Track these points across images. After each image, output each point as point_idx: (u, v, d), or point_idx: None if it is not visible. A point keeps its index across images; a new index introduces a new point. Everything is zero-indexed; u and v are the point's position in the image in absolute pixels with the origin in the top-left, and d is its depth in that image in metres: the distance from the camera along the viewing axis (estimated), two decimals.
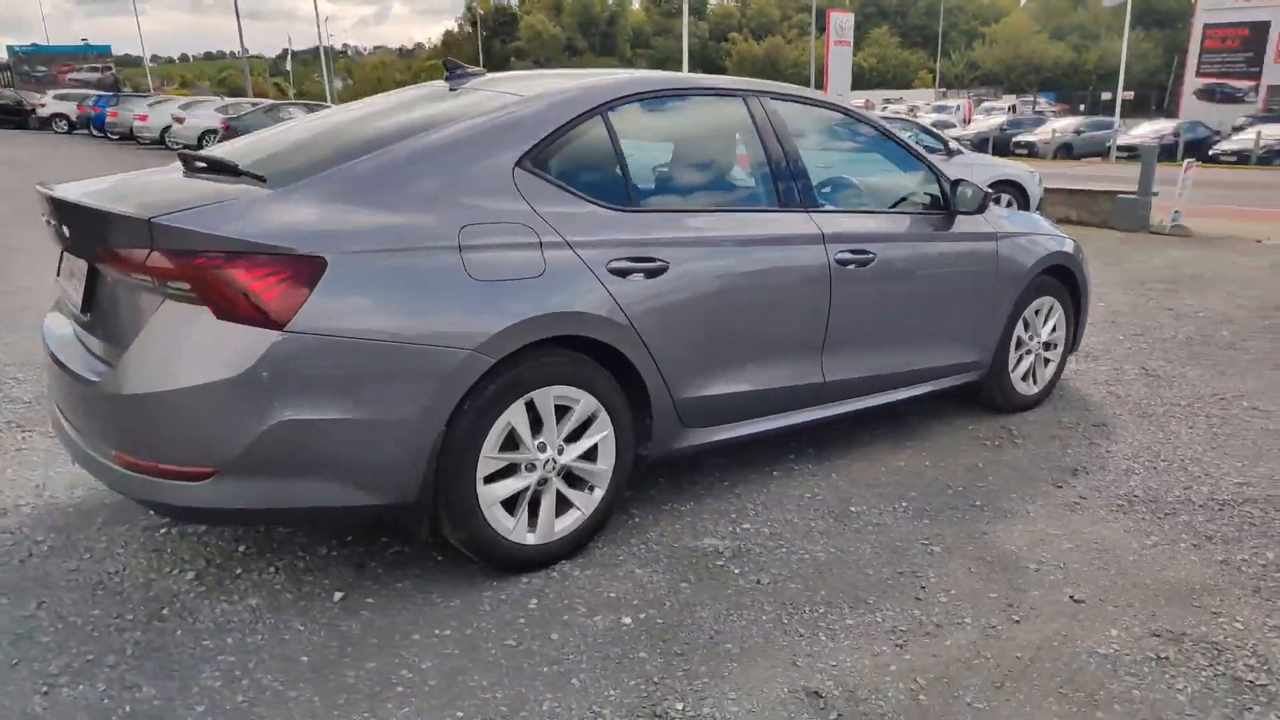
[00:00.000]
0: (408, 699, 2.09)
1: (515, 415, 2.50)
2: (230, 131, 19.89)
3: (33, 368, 4.57)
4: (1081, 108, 49.12)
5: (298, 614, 2.44)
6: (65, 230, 2.43)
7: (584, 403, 2.63)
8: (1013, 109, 46.96)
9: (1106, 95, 52.03)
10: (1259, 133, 25.84)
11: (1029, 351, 4.15)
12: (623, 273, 2.64)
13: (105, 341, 2.36)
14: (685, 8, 27.60)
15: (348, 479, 2.31)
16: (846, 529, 2.99)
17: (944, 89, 62.07)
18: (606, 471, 2.74)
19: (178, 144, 22.84)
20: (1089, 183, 14.03)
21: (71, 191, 2.44)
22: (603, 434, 2.70)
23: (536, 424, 2.56)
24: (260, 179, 2.35)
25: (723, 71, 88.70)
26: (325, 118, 3.14)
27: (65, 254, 2.65)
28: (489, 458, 2.47)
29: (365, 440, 2.29)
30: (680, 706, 2.08)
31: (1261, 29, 43.43)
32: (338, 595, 2.53)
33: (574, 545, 2.73)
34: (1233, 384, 4.68)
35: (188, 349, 2.15)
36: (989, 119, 37.42)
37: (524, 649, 2.30)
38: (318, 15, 56.76)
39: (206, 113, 22.80)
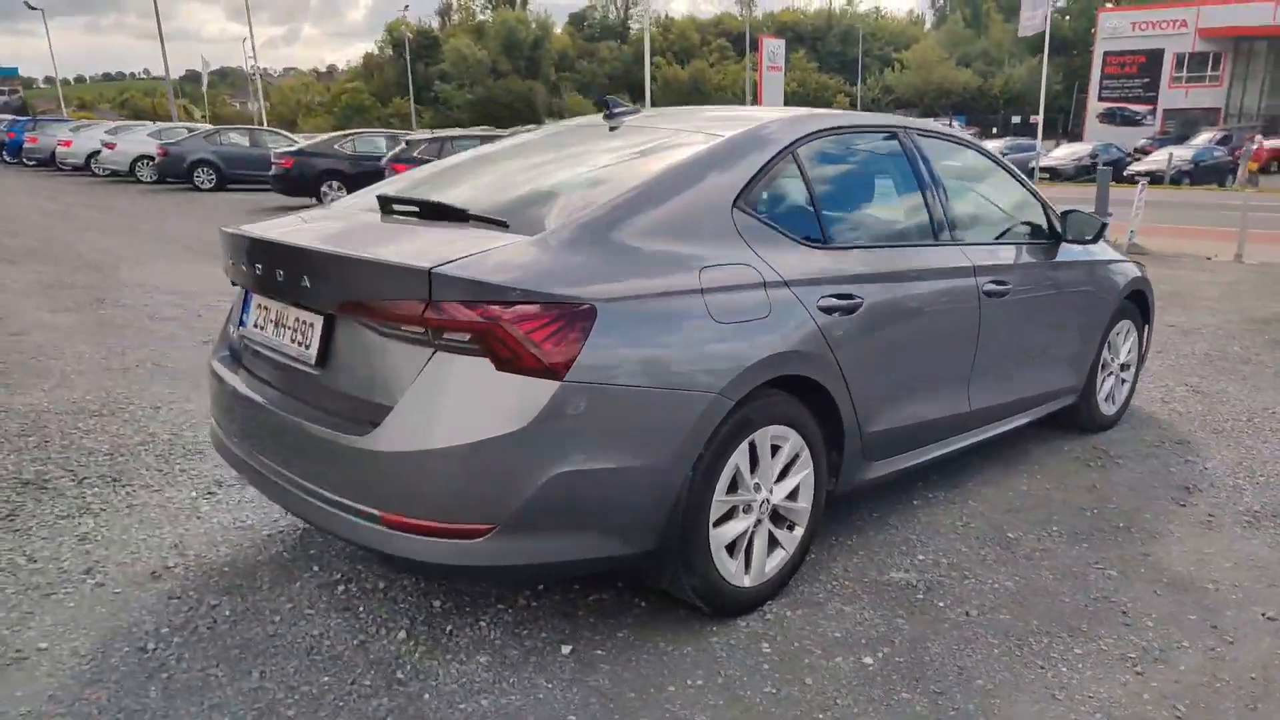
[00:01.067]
0: None
1: (740, 457, 2.49)
2: (168, 157, 19.11)
3: (91, 415, 4.31)
4: (994, 130, 51.34)
5: (536, 670, 2.36)
6: (280, 276, 2.34)
7: (791, 441, 2.64)
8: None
9: (1016, 119, 54.71)
10: (1170, 154, 27.51)
11: (1110, 373, 4.33)
12: (829, 310, 2.67)
13: (356, 396, 2.26)
14: (647, 37, 27.65)
15: (608, 530, 2.26)
16: (1016, 556, 3.06)
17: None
18: (806, 509, 2.74)
19: (105, 169, 21.87)
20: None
21: (304, 237, 2.39)
22: (804, 472, 2.71)
23: (753, 464, 2.55)
24: (501, 224, 2.30)
25: (648, 95, 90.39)
26: (491, 154, 3.11)
27: (267, 301, 2.56)
28: (719, 500, 2.46)
29: (627, 489, 2.25)
30: None
31: (1156, 56, 46.37)
32: (565, 649, 2.46)
33: (779, 585, 2.73)
34: (1274, 397, 4.97)
35: (467, 402, 2.08)
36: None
37: (787, 695, 2.28)
38: (251, 36, 54.88)
39: (138, 138, 21.89)
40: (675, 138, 2.82)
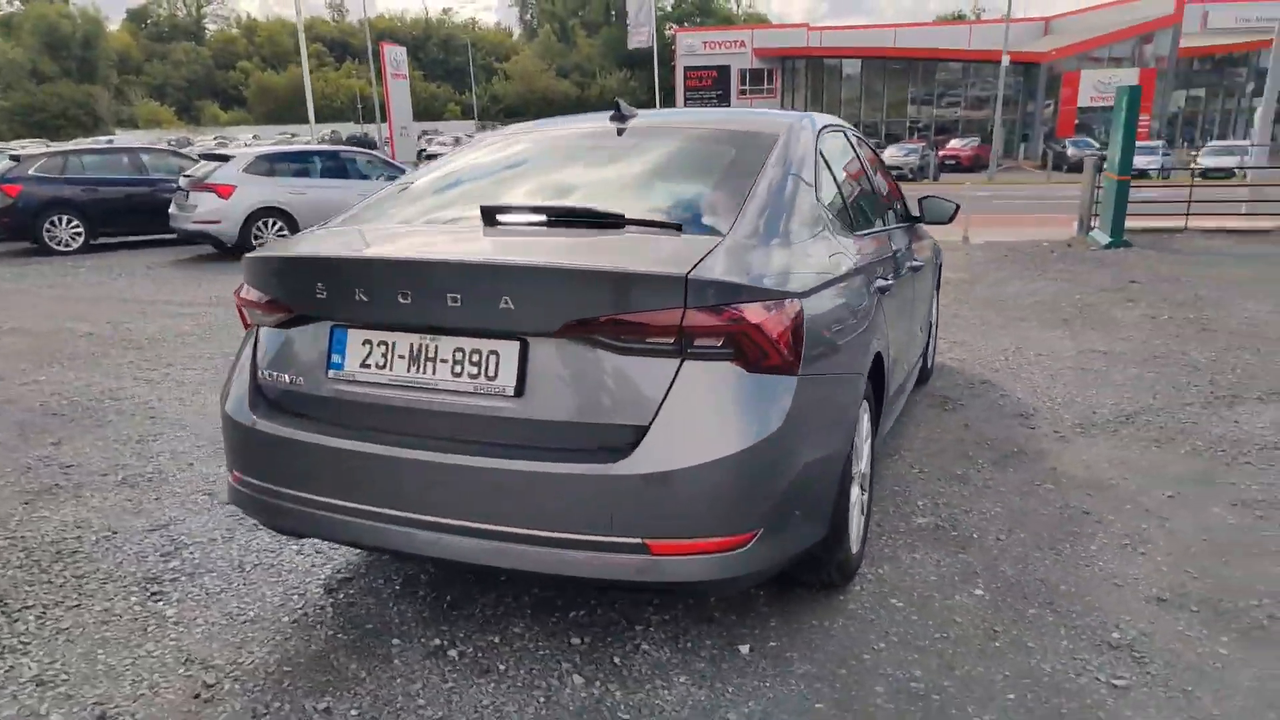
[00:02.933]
0: (987, 706, 2.22)
1: (860, 430, 2.67)
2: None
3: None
4: None
5: (740, 674, 2.33)
6: (436, 302, 2.03)
7: (868, 411, 2.87)
8: None
9: None
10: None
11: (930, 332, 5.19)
12: (881, 290, 2.95)
13: (579, 421, 2.04)
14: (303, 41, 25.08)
15: (815, 517, 2.31)
16: (979, 487, 3.62)
17: (480, 122, 65.14)
18: (868, 471, 3.00)
19: None
20: None
21: (473, 252, 2.15)
22: (868, 437, 2.95)
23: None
24: (675, 228, 2.22)
25: (240, 100, 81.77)
26: (508, 163, 2.93)
27: (390, 335, 2.18)
28: (853, 474, 2.62)
29: (829, 474, 2.32)
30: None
31: (725, 72, 53.43)
32: (744, 649, 2.45)
33: (862, 547, 2.95)
34: (1008, 341, 6.27)
35: (728, 409, 2.00)
36: None
37: (954, 636, 2.52)
38: None
39: None
40: (741, 135, 2.87)
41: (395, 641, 2.52)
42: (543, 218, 2.34)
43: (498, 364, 2.08)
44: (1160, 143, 34.57)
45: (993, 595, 2.75)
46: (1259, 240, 11.70)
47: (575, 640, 2.50)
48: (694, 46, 54.34)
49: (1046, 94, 46.44)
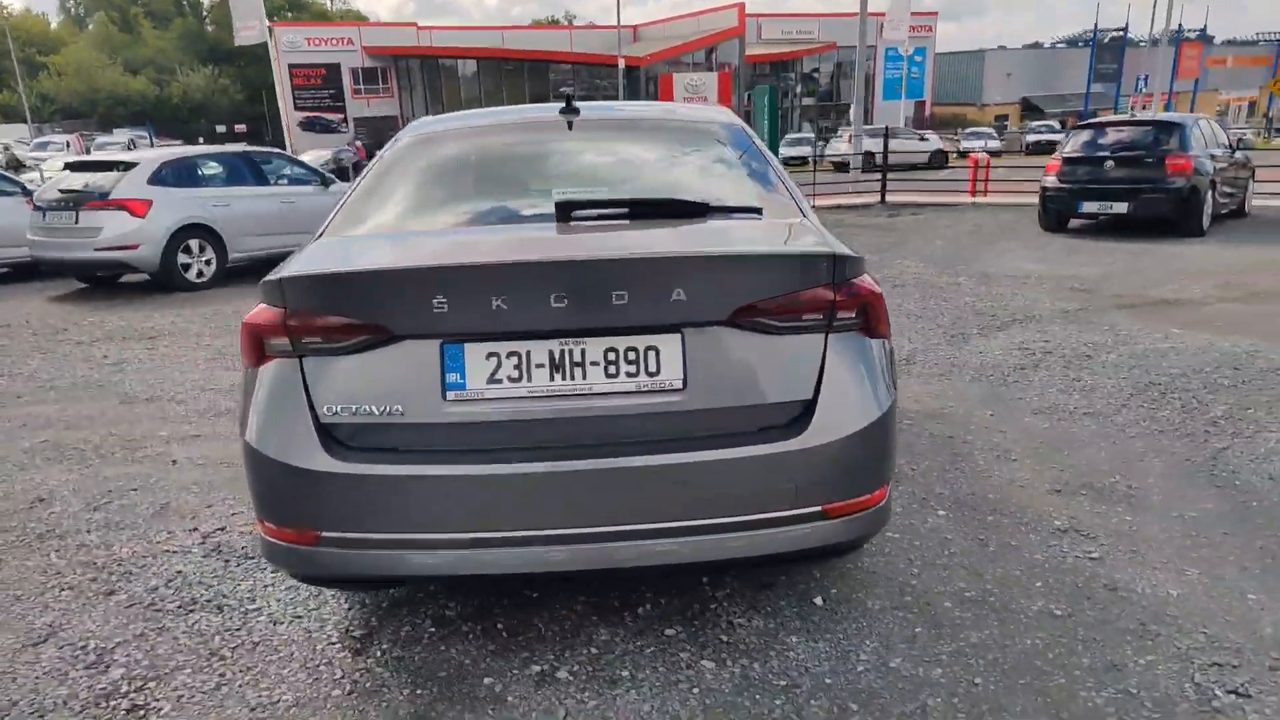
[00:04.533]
0: (1030, 591, 2.63)
1: None
2: None
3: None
4: (200, 140, 49.62)
5: (830, 621, 2.52)
6: (586, 303, 1.94)
7: None
8: (131, 144, 44.77)
9: (221, 128, 53.87)
10: None
11: None
12: None
13: (739, 405, 2.06)
14: None
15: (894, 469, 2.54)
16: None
17: (35, 125, 54.73)
18: None
19: None
20: None
21: (619, 248, 2.02)
22: None
23: None
24: (756, 211, 2.32)
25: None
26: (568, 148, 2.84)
27: (524, 345, 2.01)
28: None
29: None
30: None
31: (335, 70, 50.82)
32: (817, 600, 2.63)
33: None
34: None
35: (870, 375, 2.15)
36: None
37: (1041, 562, 2.95)
38: None
39: None
40: (679, 119, 2.98)
41: (488, 680, 2.31)
42: (624, 210, 2.28)
43: (659, 359, 2.03)
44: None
45: (951, 514, 3.24)
46: (871, 212, 14.27)
47: (669, 632, 2.50)
48: (296, 43, 50.81)
49: (647, 95, 51.07)
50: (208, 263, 9.37)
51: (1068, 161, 11.10)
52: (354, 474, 2.00)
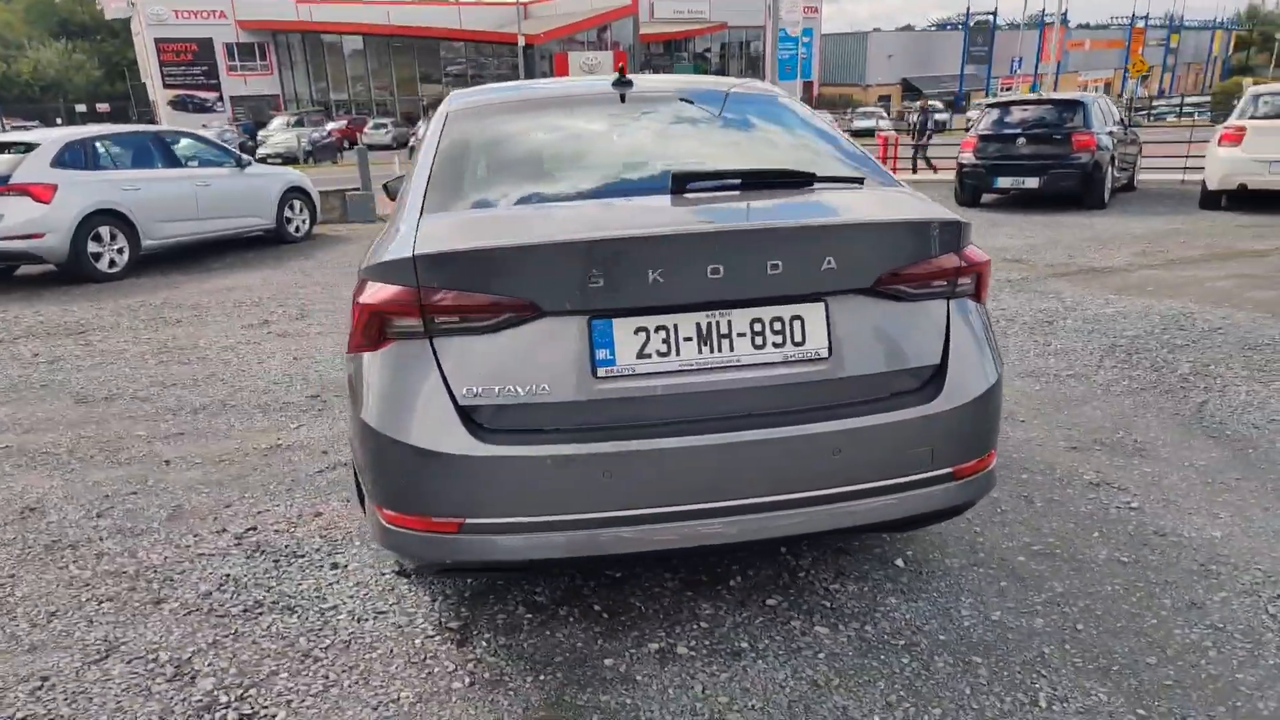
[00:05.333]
0: (1089, 549, 2.78)
1: None
2: None
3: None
4: (59, 120, 46.07)
5: (920, 580, 2.61)
6: (738, 272, 1.95)
7: None
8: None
9: (82, 108, 50.10)
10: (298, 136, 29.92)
11: None
12: None
13: (877, 372, 2.10)
14: None
15: None
16: None
17: None
18: None
19: None
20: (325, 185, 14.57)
21: (771, 217, 2.04)
22: None
23: None
24: (858, 181, 2.35)
25: None
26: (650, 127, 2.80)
27: (672, 319, 1.99)
28: None
29: None
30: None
31: (208, 45, 47.99)
32: (898, 562, 2.72)
33: None
34: None
35: (984, 339, 2.22)
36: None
37: (1045, 508, 3.09)
38: None
39: None
40: (744, 94, 2.99)
41: (609, 661, 2.29)
42: (735, 181, 2.26)
43: (804, 328, 2.04)
44: None
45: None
46: None
47: (770, 602, 2.53)
48: (163, 15, 47.63)
49: (540, 73, 50.39)
50: (119, 251, 8.73)
51: (982, 139, 11.63)
52: (502, 456, 1.93)
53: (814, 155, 2.57)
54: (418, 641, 2.42)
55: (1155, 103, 49.74)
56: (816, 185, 2.30)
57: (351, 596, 2.66)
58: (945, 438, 2.14)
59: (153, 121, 50.64)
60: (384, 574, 2.77)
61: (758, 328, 2.02)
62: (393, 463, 2.01)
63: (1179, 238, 8.90)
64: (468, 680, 2.24)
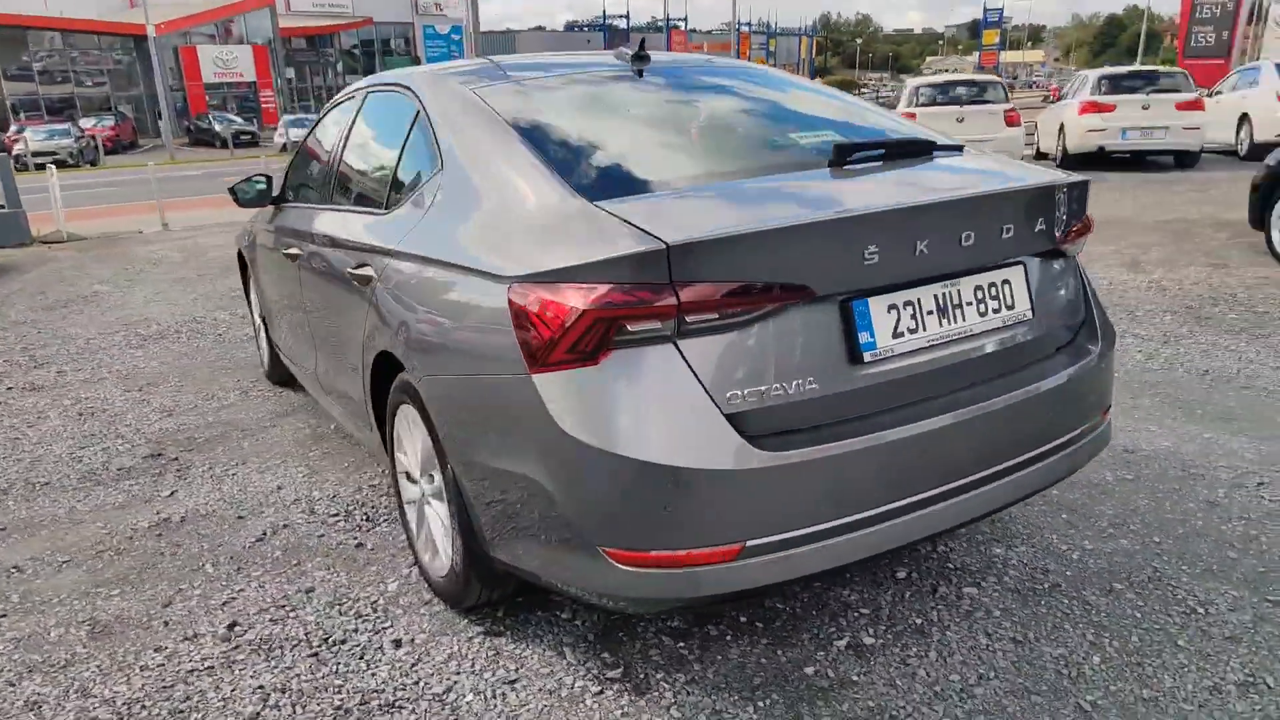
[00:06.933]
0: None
1: None
2: None
3: None
4: None
5: (1033, 570, 2.76)
6: (961, 241, 1.92)
7: None
8: None
9: None
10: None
11: None
12: None
13: (1057, 325, 2.19)
14: None
15: None
16: None
17: None
18: None
19: None
20: None
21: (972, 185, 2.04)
22: None
23: None
24: (959, 149, 2.39)
25: None
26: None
27: (914, 293, 1.90)
28: None
29: None
30: None
31: None
32: (997, 549, 2.82)
33: None
34: None
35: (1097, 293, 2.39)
36: None
37: None
38: None
39: None
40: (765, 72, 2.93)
41: (810, 670, 2.13)
42: (880, 152, 2.19)
43: (1011, 292, 2.04)
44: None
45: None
46: None
47: (900, 575, 2.52)
48: None
49: (165, 70, 44.56)
50: None
51: None
52: (784, 465, 1.71)
53: (883, 119, 2.59)
54: (588, 702, 2.06)
55: None
56: (933, 153, 2.32)
57: (458, 672, 2.20)
58: (1104, 385, 2.28)
59: None
60: (473, 638, 2.32)
61: (979, 295, 2.00)
62: (647, 492, 1.69)
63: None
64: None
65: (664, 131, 2.40)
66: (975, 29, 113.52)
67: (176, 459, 3.75)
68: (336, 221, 2.94)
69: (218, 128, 37.52)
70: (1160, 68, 14.67)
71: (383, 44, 57.65)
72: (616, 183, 2.00)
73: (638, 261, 1.66)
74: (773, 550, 1.75)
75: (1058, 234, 2.14)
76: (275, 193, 3.89)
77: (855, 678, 2.10)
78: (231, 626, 2.46)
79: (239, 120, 39.88)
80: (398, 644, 2.33)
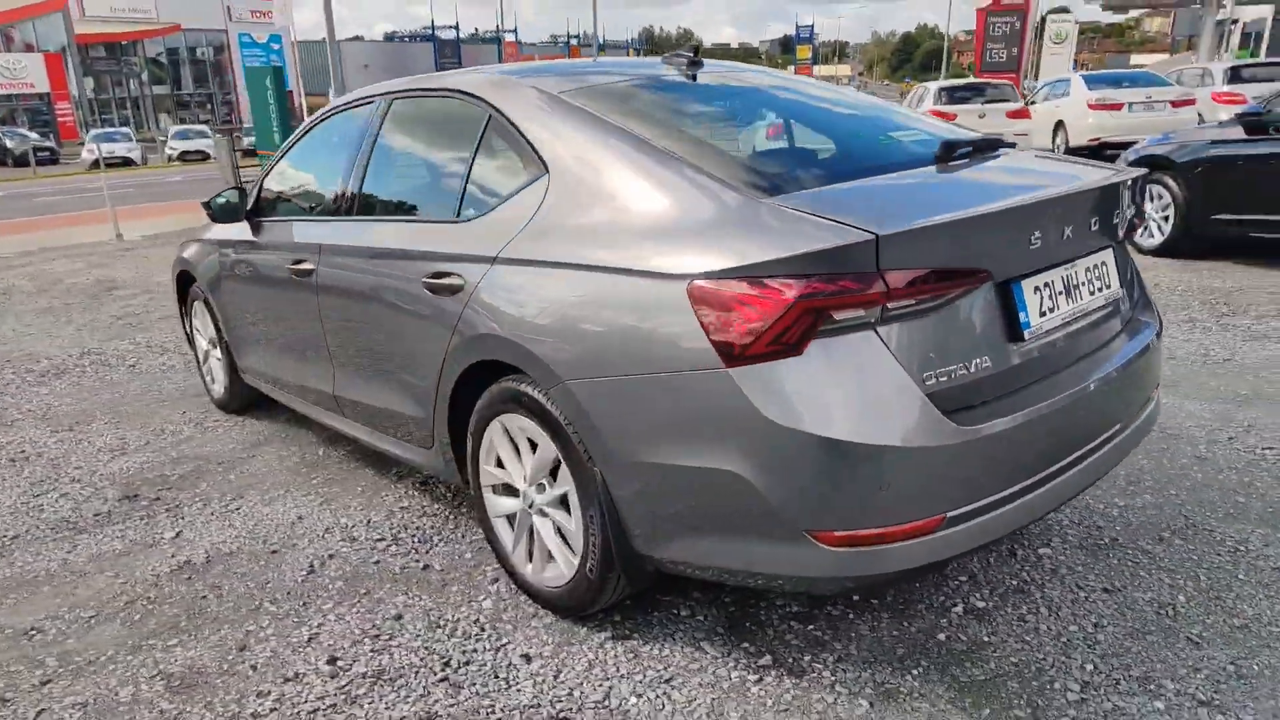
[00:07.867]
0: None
1: None
2: None
3: None
4: None
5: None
6: (1077, 229, 2.12)
7: None
8: None
9: None
10: None
11: None
12: None
13: (1129, 297, 2.39)
14: None
15: None
16: None
17: None
18: None
19: None
20: None
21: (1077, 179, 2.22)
22: None
23: None
24: (1011, 145, 2.61)
25: None
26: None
27: (1048, 276, 2.06)
28: None
29: None
30: None
31: None
32: (1044, 551, 3.08)
33: None
34: None
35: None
36: None
37: None
38: None
39: None
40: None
41: (942, 637, 2.27)
42: (971, 149, 2.35)
43: (1106, 273, 2.25)
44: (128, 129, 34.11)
45: None
46: None
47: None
48: None
49: None
50: None
51: None
52: (977, 439, 1.83)
53: (926, 119, 2.78)
54: (754, 690, 2.10)
55: None
56: (1001, 149, 2.53)
57: (607, 678, 2.17)
58: (1161, 359, 2.56)
59: None
60: (603, 644, 2.30)
61: (1088, 275, 2.20)
62: (863, 473, 1.77)
63: None
64: (867, 705, 2.04)
65: (766, 133, 2.49)
66: (788, 44, 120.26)
67: (158, 498, 3.43)
68: (386, 232, 2.81)
69: (9, 144, 33.90)
70: (990, 80, 16.18)
71: (190, 52, 53.94)
72: (770, 180, 2.06)
73: (848, 253, 1.73)
74: (968, 519, 1.87)
75: (1130, 221, 2.40)
76: (248, 207, 3.65)
77: (986, 639, 2.25)
78: (332, 661, 2.31)
79: (33, 136, 36.15)
80: (527, 659, 2.28)
